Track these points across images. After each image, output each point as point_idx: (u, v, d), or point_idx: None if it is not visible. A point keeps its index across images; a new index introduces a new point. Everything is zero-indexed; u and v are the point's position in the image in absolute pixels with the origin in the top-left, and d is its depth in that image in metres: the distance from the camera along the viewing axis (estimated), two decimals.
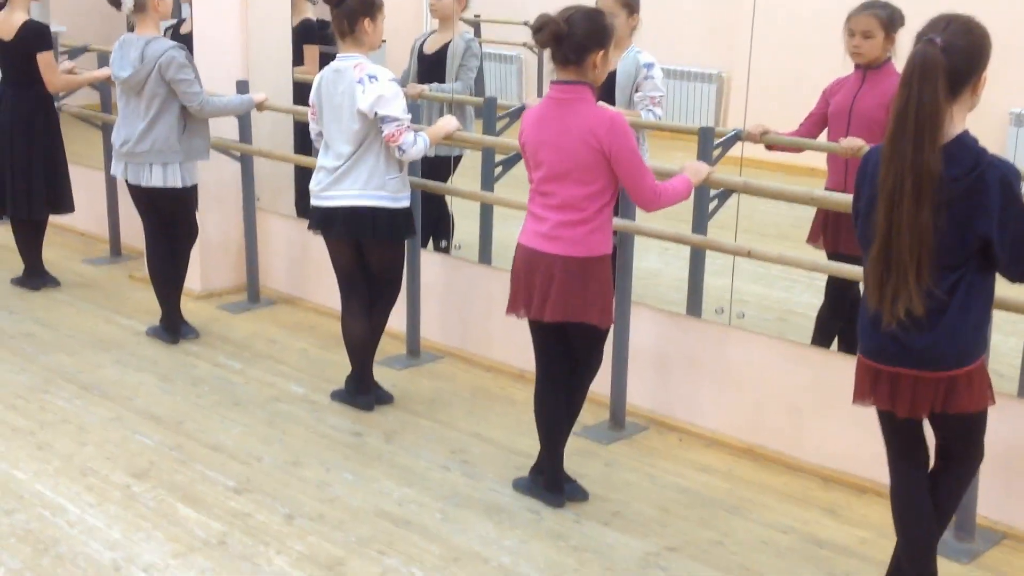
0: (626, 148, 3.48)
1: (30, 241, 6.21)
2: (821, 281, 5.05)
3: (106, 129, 6.43)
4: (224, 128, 5.73)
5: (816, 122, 4.60)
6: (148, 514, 3.75)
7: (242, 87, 5.63)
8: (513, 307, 3.76)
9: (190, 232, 5.42)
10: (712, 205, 4.52)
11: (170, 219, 5.32)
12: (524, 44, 8.46)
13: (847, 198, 3.66)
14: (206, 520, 3.72)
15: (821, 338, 4.69)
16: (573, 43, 3.48)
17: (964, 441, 3.00)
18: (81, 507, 3.79)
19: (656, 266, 6.51)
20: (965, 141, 2.74)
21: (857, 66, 4.46)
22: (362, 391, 4.65)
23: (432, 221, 5.96)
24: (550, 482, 3.87)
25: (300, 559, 3.49)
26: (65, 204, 6.19)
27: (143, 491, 3.92)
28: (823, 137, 4.62)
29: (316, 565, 3.45)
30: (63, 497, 3.86)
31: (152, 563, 3.45)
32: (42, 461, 4.13)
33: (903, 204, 2.69)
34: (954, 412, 2.86)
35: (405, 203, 4.46)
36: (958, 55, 2.68)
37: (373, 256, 4.52)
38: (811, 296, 5.59)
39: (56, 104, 6.29)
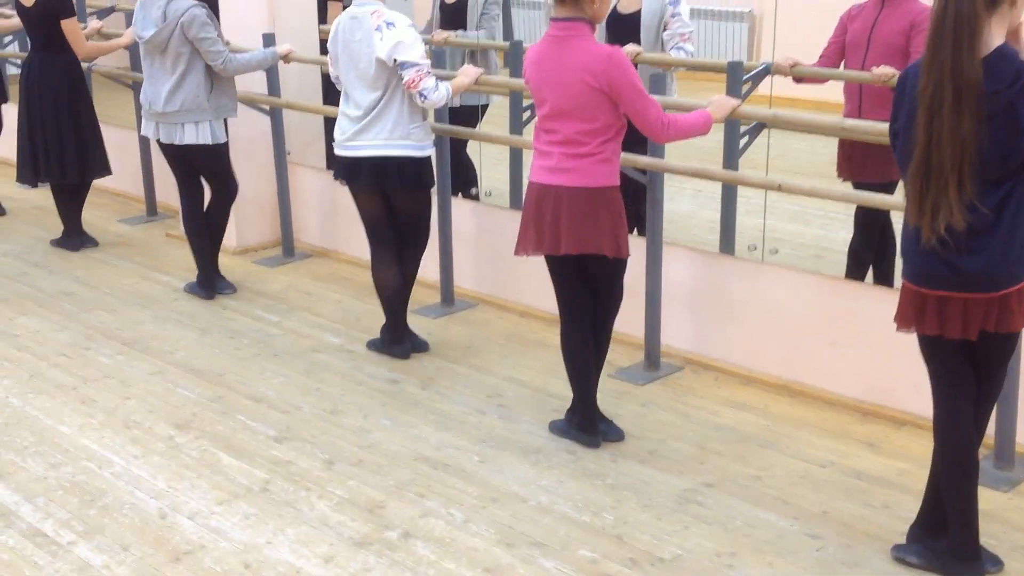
0: (625, 83, 3.44)
1: (69, 203, 6.27)
2: None
3: (137, 89, 6.46)
4: (252, 82, 5.74)
5: (836, 51, 4.54)
6: (192, 464, 3.82)
7: (268, 40, 5.62)
8: (520, 247, 3.75)
9: (226, 188, 5.43)
10: (743, 142, 4.48)
11: (207, 175, 5.35)
12: None
13: (877, 126, 3.63)
14: (248, 468, 3.78)
15: (856, 270, 4.67)
16: None
17: (999, 362, 2.97)
18: (126, 459, 3.86)
19: (690, 208, 6.47)
20: (1005, 52, 2.67)
21: None
22: (396, 340, 4.68)
23: (456, 170, 5.96)
24: (585, 423, 3.88)
25: (341, 503, 3.54)
26: (98, 168, 6.20)
27: (186, 442, 3.98)
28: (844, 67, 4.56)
29: (357, 508, 3.51)
30: (108, 450, 3.93)
31: (197, 510, 3.51)
32: (86, 415, 4.21)
33: (943, 113, 2.63)
34: (1004, 332, 2.82)
35: (429, 152, 4.46)
36: None
37: (401, 205, 4.52)
38: (848, 233, 5.51)
39: (86, 66, 6.32)
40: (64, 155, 6.04)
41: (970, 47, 2.60)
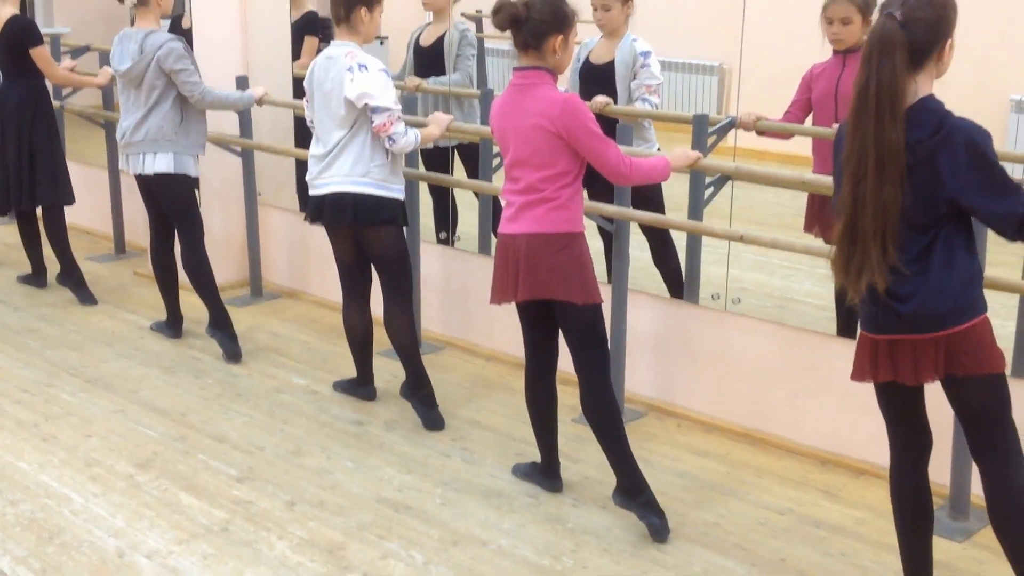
0: (581, 128, 3.47)
1: (36, 240, 6.22)
2: (822, 268, 5.03)
3: (108, 127, 6.50)
4: (225, 123, 5.78)
5: (801, 107, 4.64)
6: (152, 503, 3.80)
7: (242, 83, 5.67)
8: (493, 296, 3.75)
9: (190, 225, 5.22)
10: (707, 193, 4.55)
11: (169, 209, 5.23)
12: None
13: None
14: (208, 508, 3.77)
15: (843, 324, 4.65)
16: (531, 27, 3.48)
17: (987, 420, 2.83)
18: (85, 497, 3.84)
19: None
20: (928, 104, 2.71)
21: (836, 51, 4.50)
22: (362, 382, 4.69)
23: (436, 212, 6.01)
24: (545, 467, 3.90)
25: (301, 544, 3.53)
26: (43, 195, 5.95)
27: (147, 481, 3.97)
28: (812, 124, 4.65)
29: (317, 550, 3.50)
30: (68, 487, 3.91)
31: (155, 550, 3.50)
32: (47, 453, 4.18)
33: (866, 180, 2.68)
34: (962, 375, 2.76)
35: (395, 194, 4.35)
36: (919, 27, 2.66)
37: (368, 245, 4.42)
38: (812, 284, 5.62)
39: (58, 104, 6.31)
40: (20, 183, 5.90)
41: (892, 116, 2.65)
